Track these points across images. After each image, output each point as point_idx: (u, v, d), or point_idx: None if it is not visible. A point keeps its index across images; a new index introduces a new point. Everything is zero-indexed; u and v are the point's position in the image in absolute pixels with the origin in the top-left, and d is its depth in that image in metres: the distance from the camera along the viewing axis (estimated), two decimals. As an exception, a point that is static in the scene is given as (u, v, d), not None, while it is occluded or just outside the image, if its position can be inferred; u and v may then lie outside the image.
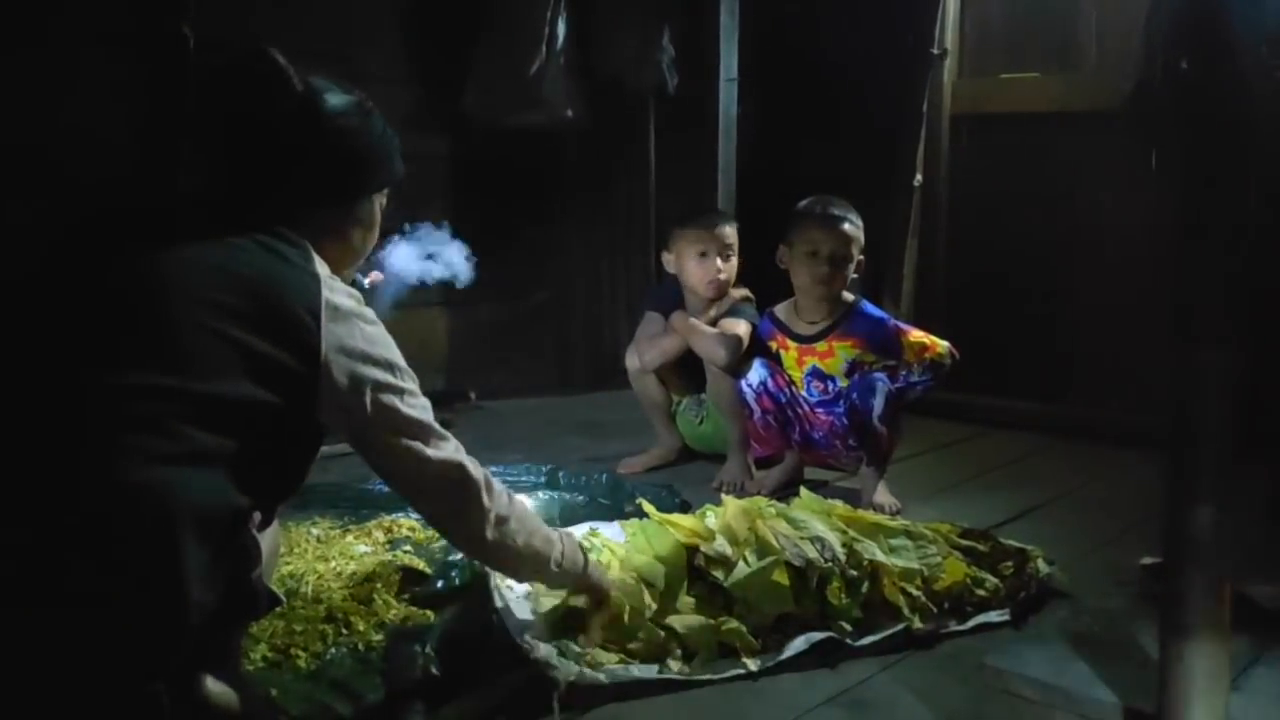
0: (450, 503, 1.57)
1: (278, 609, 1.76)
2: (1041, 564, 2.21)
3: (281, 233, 1.45)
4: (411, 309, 3.92)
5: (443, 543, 2.22)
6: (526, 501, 1.68)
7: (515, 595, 1.90)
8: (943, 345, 2.75)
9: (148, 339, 1.33)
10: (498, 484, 1.61)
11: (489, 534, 1.58)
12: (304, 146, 1.52)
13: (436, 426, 1.54)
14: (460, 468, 1.55)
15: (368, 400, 1.46)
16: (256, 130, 1.50)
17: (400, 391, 1.49)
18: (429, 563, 2.16)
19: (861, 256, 2.83)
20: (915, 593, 2.03)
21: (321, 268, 1.47)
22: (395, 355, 1.51)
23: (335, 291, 1.46)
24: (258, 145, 1.51)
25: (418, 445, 1.51)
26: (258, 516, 1.42)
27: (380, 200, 1.66)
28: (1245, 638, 1.76)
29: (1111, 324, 3.75)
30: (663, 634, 1.84)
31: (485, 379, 4.06)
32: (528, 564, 1.69)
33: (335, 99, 1.54)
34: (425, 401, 1.54)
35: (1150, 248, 3.10)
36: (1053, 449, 3.48)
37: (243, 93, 1.50)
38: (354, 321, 1.46)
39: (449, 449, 1.55)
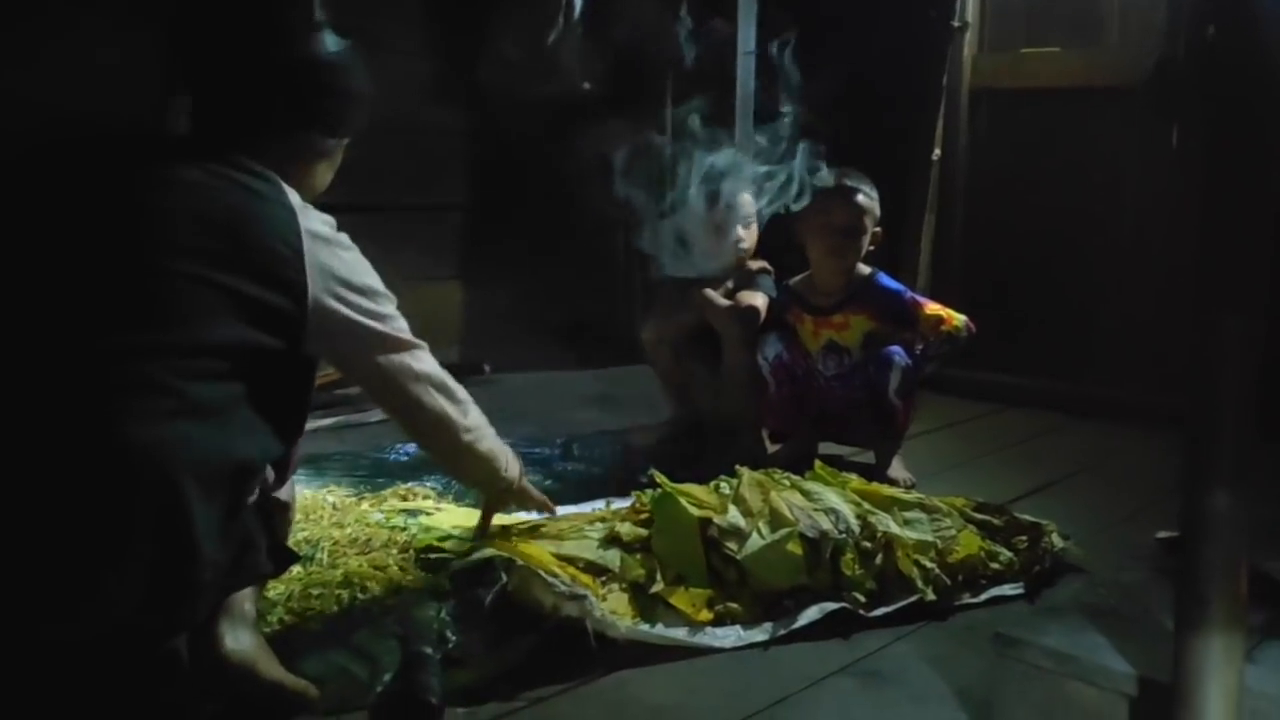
0: (434, 411, 1.66)
1: (294, 573, 1.79)
2: (1056, 538, 2.21)
3: (247, 164, 1.45)
4: (426, 281, 3.94)
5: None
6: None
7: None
8: (959, 319, 2.74)
9: (130, 295, 1.32)
10: (464, 392, 1.72)
11: (464, 439, 1.72)
12: (306, 70, 1.56)
13: (417, 341, 1.62)
14: (443, 377, 1.66)
15: (353, 326, 1.50)
16: (260, 47, 1.54)
17: (382, 316, 1.56)
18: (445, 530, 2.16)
19: (878, 229, 2.82)
20: (929, 565, 2.03)
21: (293, 197, 1.47)
22: (374, 280, 1.56)
23: (311, 220, 1.47)
24: (259, 64, 1.53)
25: (403, 360, 1.59)
26: (270, 475, 1.42)
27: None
28: (1261, 612, 1.76)
29: (1130, 301, 3.73)
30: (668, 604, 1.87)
31: (500, 352, 4.06)
32: (485, 468, 1.82)
33: (333, 38, 1.60)
34: (404, 323, 1.61)
35: (1170, 224, 3.08)
36: (1069, 426, 3.47)
37: (251, 13, 1.54)
38: (333, 249, 1.48)
39: (431, 361, 1.64)
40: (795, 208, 2.75)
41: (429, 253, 4.04)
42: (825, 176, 2.77)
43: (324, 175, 1.68)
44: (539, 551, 1.86)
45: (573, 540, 1.96)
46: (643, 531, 2.00)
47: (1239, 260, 1.29)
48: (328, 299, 1.45)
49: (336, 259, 1.48)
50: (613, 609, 1.82)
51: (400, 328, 1.59)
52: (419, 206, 3.99)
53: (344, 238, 1.52)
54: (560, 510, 2.13)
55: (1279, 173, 1.29)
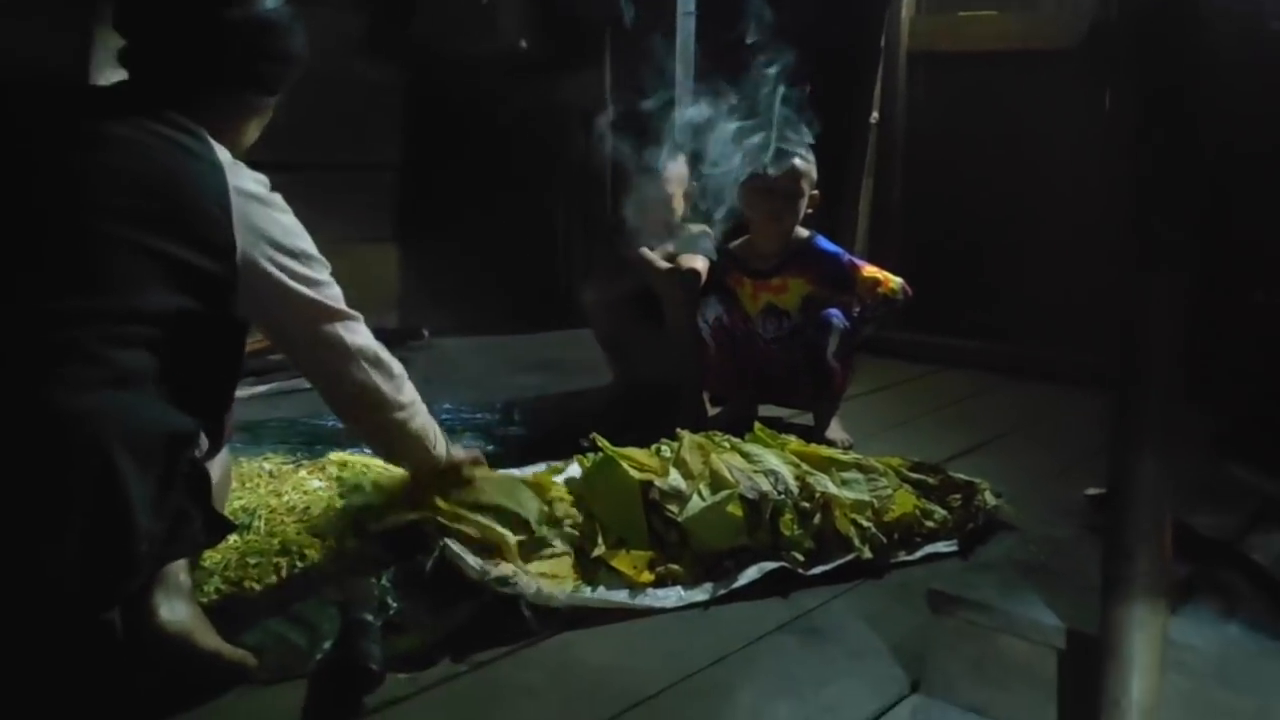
0: (365, 388, 1.59)
1: (231, 542, 1.76)
2: (989, 496, 2.26)
3: (178, 120, 1.40)
4: (361, 244, 3.87)
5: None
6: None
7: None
8: (896, 281, 2.76)
9: (61, 259, 1.28)
10: (399, 366, 1.66)
11: (395, 417, 1.66)
12: (247, 28, 1.51)
13: (351, 311, 1.56)
14: (376, 351, 1.60)
15: (284, 292, 1.45)
16: (202, 3, 1.48)
17: (315, 283, 1.50)
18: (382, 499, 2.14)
19: (815, 192, 2.83)
20: (866, 524, 2.06)
21: (223, 154, 1.43)
22: (308, 244, 1.51)
23: (243, 178, 1.43)
24: (201, 20, 1.48)
25: (335, 330, 1.53)
26: (205, 444, 1.40)
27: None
28: (1187, 565, 1.82)
29: (1065, 263, 3.79)
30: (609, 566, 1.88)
31: (439, 316, 4.02)
32: (414, 447, 1.76)
33: None
34: (339, 291, 1.55)
35: (1104, 187, 3.13)
36: (1003, 387, 3.54)
37: None
38: (265, 209, 1.44)
39: (365, 334, 1.58)
40: (739, 173, 2.74)
41: (364, 214, 3.97)
42: (763, 140, 2.77)
43: (254, 132, 1.63)
44: (468, 519, 1.83)
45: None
46: (567, 497, 2.00)
47: (1170, 220, 1.32)
48: (259, 261, 1.41)
49: (268, 220, 1.43)
50: (553, 572, 1.82)
51: (333, 296, 1.54)
52: (353, 166, 3.90)
53: (277, 198, 1.48)
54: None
55: (1210, 134, 1.31)
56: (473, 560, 1.73)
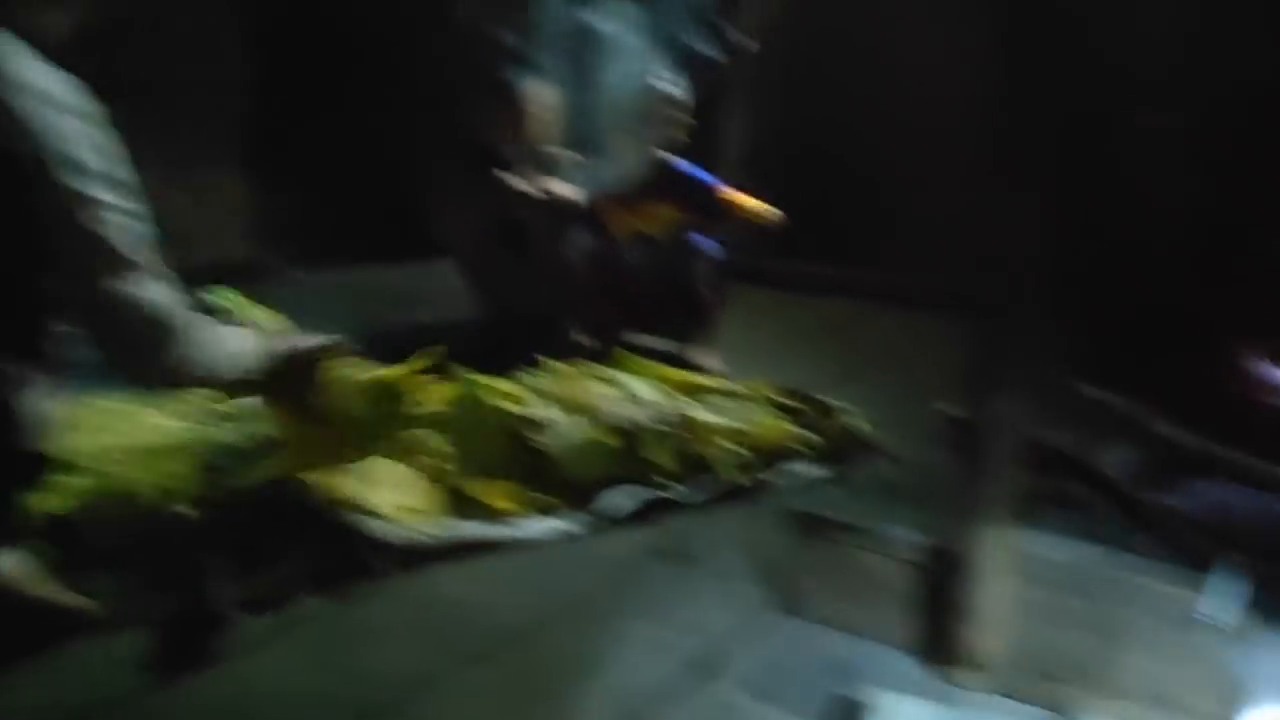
0: (141, 341, 1.34)
1: (70, 484, 1.66)
2: (855, 420, 2.29)
3: None
4: (205, 172, 3.64)
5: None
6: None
7: None
8: (766, 208, 2.76)
9: None
10: (183, 313, 1.38)
11: (173, 369, 1.38)
12: None
13: (137, 257, 1.30)
14: (156, 303, 1.33)
15: (67, 221, 1.23)
16: None
17: (103, 217, 1.25)
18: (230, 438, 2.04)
19: (687, 118, 2.79)
20: (737, 450, 2.07)
21: (12, 44, 1.23)
22: (112, 166, 1.26)
23: (43, 77, 1.22)
24: None
25: (116, 278, 1.28)
26: (38, 385, 1.28)
27: None
28: (1045, 481, 1.88)
29: (935, 191, 3.83)
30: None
31: (291, 249, 3.83)
32: (227, 371, 1.50)
33: None
34: (138, 228, 1.31)
35: (973, 114, 3.16)
36: (874, 314, 3.58)
37: None
38: (63, 116, 1.23)
39: (146, 284, 1.32)
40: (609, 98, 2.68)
41: (207, 138, 3.72)
42: (636, 66, 2.71)
43: (54, 21, 1.36)
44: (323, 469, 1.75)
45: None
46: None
47: (1034, 148, 1.32)
48: (50, 172, 1.22)
49: (67, 128, 1.23)
50: (416, 506, 1.77)
51: (124, 238, 1.29)
52: (195, 83, 3.64)
53: (73, 101, 1.26)
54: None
55: (1077, 61, 1.32)
56: (327, 499, 1.67)
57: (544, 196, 2.84)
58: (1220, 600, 1.60)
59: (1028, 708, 1.38)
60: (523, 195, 2.86)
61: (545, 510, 1.86)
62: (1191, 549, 1.75)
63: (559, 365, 2.16)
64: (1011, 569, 1.39)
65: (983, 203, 1.36)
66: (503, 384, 2.06)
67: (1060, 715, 1.34)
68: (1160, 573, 1.70)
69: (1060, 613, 1.46)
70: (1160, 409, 2.07)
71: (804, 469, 2.14)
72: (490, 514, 1.82)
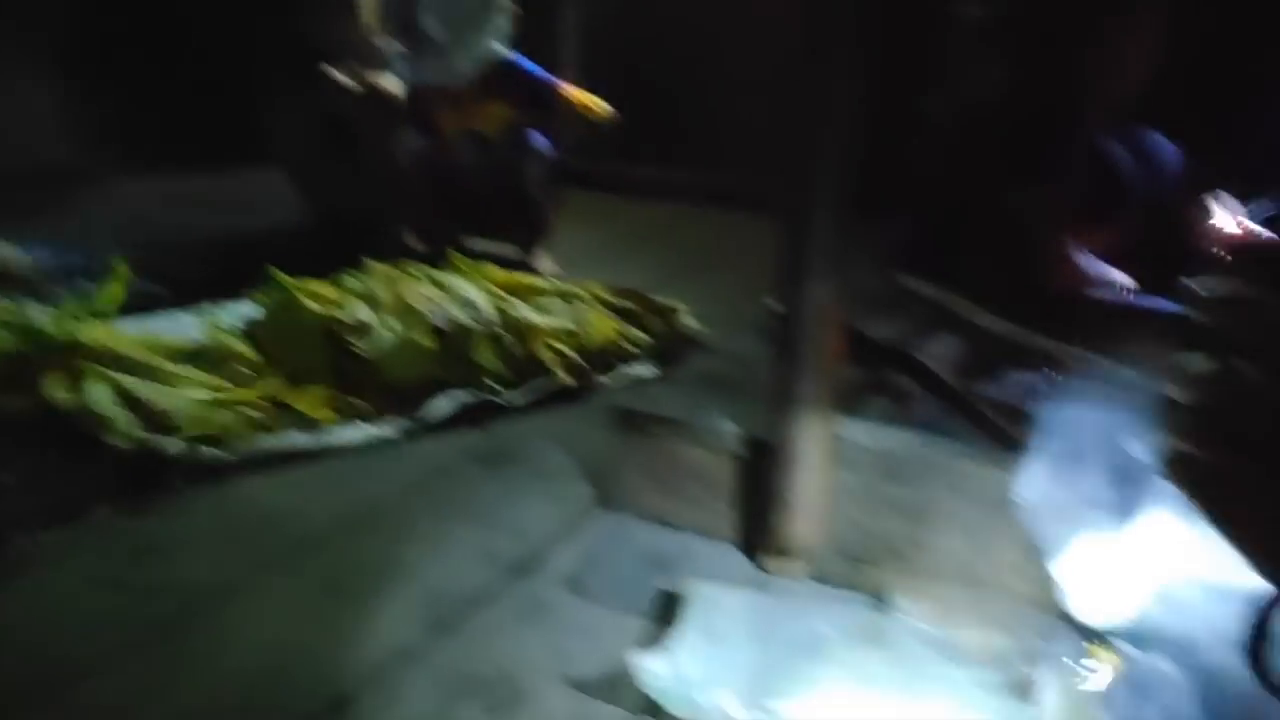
0: None
1: None
2: (685, 318, 2.27)
3: None
4: (15, 73, 3.34)
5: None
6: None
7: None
8: (600, 105, 2.68)
9: None
10: None
11: None
12: None
13: None
14: None
15: None
16: None
17: None
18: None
19: (519, 10, 2.67)
20: (566, 350, 2.02)
21: None
22: None
23: None
24: None
25: None
26: None
27: None
28: (862, 371, 1.90)
29: (759, 92, 3.81)
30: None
31: (111, 153, 3.56)
32: None
33: None
34: None
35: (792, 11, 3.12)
36: (701, 215, 3.58)
37: None
38: None
39: None
40: None
41: (17, 37, 3.41)
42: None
43: None
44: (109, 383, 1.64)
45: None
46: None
47: (842, 35, 1.29)
48: None
49: None
50: (221, 423, 1.66)
51: None
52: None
53: None
54: (156, 325, 1.92)
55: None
56: (118, 413, 1.55)
57: (368, 92, 2.69)
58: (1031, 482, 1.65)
59: (846, 593, 1.39)
60: (346, 90, 2.71)
61: (362, 416, 1.79)
62: (1006, 435, 1.79)
63: (381, 267, 2.06)
64: (830, 459, 1.39)
65: (797, 98, 1.32)
66: (319, 286, 1.95)
67: (877, 599, 1.36)
68: (975, 456, 1.73)
69: (877, 499, 1.48)
70: (981, 300, 2.11)
71: (634, 367, 2.12)
72: (304, 421, 1.74)
